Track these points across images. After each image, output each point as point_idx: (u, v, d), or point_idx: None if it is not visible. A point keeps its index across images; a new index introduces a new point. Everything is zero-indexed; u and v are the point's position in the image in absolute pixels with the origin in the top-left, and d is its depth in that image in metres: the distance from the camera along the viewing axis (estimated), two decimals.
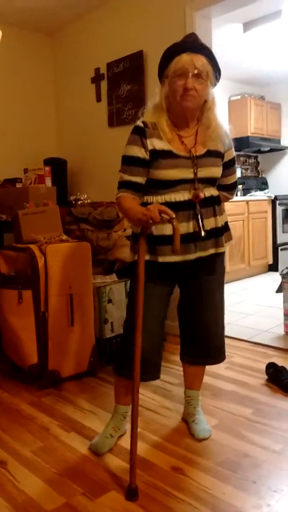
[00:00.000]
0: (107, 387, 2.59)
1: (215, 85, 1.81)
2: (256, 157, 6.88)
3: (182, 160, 1.78)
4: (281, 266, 5.83)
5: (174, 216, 1.62)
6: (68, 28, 4.26)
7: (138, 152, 1.78)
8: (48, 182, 3.61)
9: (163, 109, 1.80)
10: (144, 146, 1.77)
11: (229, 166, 1.96)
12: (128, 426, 1.99)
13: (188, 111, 1.79)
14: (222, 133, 1.87)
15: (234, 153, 1.98)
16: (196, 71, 1.70)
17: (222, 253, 1.95)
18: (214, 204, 1.86)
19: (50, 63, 4.50)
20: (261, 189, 6.50)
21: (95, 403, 2.42)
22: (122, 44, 3.74)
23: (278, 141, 6.61)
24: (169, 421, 2.20)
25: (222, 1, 3.05)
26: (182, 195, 1.78)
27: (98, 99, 4.02)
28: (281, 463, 1.83)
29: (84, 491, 1.70)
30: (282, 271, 3.51)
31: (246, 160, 6.72)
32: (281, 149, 6.59)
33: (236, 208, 5.35)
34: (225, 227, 1.94)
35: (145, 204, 1.80)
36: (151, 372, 1.91)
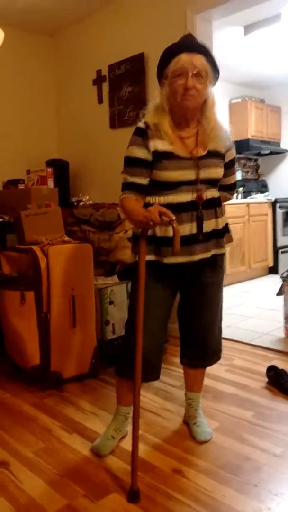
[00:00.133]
0: (108, 388, 2.60)
1: (214, 84, 1.82)
2: (256, 160, 6.90)
3: (185, 161, 1.79)
4: (281, 269, 5.87)
5: (174, 218, 1.63)
6: (70, 30, 4.27)
7: (141, 153, 1.79)
8: (50, 183, 3.63)
9: (165, 110, 1.81)
10: (146, 147, 1.78)
11: (229, 167, 1.97)
12: (129, 428, 2.00)
13: (189, 111, 1.80)
14: (222, 133, 1.88)
15: (234, 154, 2.00)
16: (195, 71, 1.71)
17: (223, 255, 1.96)
18: (215, 206, 1.87)
19: (52, 65, 4.51)
20: (261, 192, 6.52)
21: (96, 405, 2.42)
22: (123, 46, 3.75)
23: (278, 144, 6.63)
24: (170, 423, 2.21)
25: (223, 4, 3.07)
26: (184, 197, 1.79)
27: (100, 101, 4.03)
28: (282, 466, 1.84)
29: (86, 493, 1.70)
30: (282, 274, 3.52)
31: (246, 163, 6.73)
32: (281, 152, 6.61)
33: (237, 210, 5.36)
34: (226, 229, 1.95)
35: (147, 205, 1.81)
36: (151, 372, 1.93)
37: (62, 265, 2.60)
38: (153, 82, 3.41)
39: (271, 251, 5.98)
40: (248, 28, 4.35)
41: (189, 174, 1.79)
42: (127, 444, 1.97)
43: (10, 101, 4.22)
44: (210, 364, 2.10)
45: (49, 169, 3.67)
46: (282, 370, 2.61)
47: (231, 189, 2.05)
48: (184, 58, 1.71)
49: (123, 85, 3.78)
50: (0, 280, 2.78)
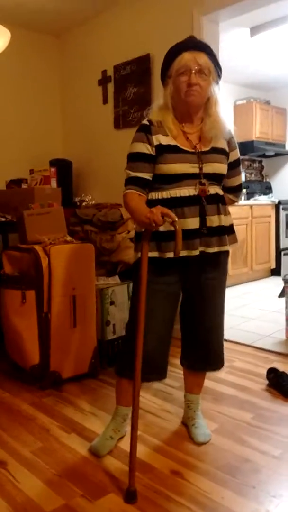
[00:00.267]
0: (108, 389, 2.60)
1: (217, 82, 1.84)
2: (260, 162, 6.89)
3: (188, 155, 1.80)
4: (283, 271, 5.82)
5: (176, 219, 1.63)
6: (76, 30, 4.28)
7: (144, 148, 1.81)
8: (54, 183, 3.63)
9: (168, 108, 1.84)
10: (149, 142, 1.80)
11: (234, 167, 1.97)
12: (128, 428, 2.00)
13: (192, 107, 1.82)
14: (225, 130, 1.89)
15: (239, 154, 2.00)
16: (198, 68, 1.74)
17: (226, 253, 1.95)
18: (218, 202, 1.86)
19: (57, 65, 4.52)
20: (265, 194, 6.51)
21: (95, 405, 2.42)
22: (129, 47, 3.75)
23: (283, 146, 6.62)
24: (169, 425, 2.21)
25: (230, 5, 3.07)
26: (187, 191, 1.80)
27: (105, 101, 4.04)
28: (281, 468, 1.83)
29: (83, 493, 1.70)
30: (285, 276, 3.51)
31: (250, 164, 6.72)
32: (286, 154, 6.60)
33: (240, 212, 5.35)
34: (231, 229, 1.94)
35: (150, 201, 1.82)
36: (153, 371, 1.92)
37: (63, 264, 2.61)
38: (158, 83, 3.38)
39: (274, 253, 5.97)
40: (254, 30, 4.34)
41: (192, 167, 1.80)
42: (125, 445, 1.96)
43: (15, 100, 4.23)
44: (212, 369, 2.09)
45: (52, 169, 3.67)
46: (283, 372, 2.60)
47: (236, 191, 2.04)
48: (187, 57, 1.74)
49: (128, 85, 3.78)
50: (2, 279, 2.78)
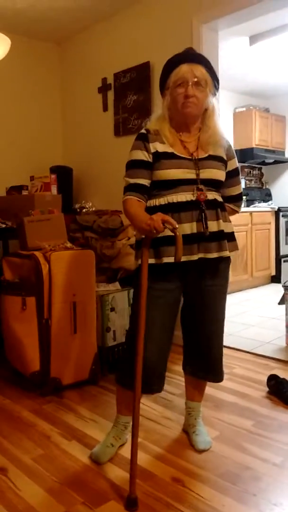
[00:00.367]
0: (108, 395, 2.60)
1: (215, 94, 1.87)
2: (260, 169, 6.92)
3: (184, 161, 1.82)
4: (283, 278, 5.83)
5: (177, 226, 1.64)
6: (77, 38, 4.31)
7: (142, 155, 1.83)
8: (54, 190, 3.64)
9: (165, 119, 1.87)
10: (147, 149, 1.83)
11: (233, 176, 1.98)
12: (128, 436, 1.99)
13: (189, 118, 1.85)
14: (222, 140, 1.92)
15: (237, 164, 2.02)
16: (195, 79, 1.77)
17: (227, 260, 1.94)
18: (217, 208, 1.87)
19: (58, 72, 4.55)
20: (265, 201, 6.53)
21: (96, 412, 2.42)
22: (129, 55, 3.78)
23: (283, 153, 6.65)
24: (170, 432, 2.20)
25: (229, 14, 3.09)
26: (184, 196, 1.81)
27: (105, 108, 4.06)
28: (282, 476, 1.83)
29: (84, 500, 1.70)
30: (284, 282, 3.51)
31: (250, 172, 6.75)
32: (285, 161, 6.63)
33: (240, 219, 5.36)
34: (231, 236, 1.95)
35: (149, 208, 1.83)
36: (156, 382, 1.90)
37: (64, 271, 2.61)
38: (158, 91, 3.43)
39: (274, 260, 5.98)
40: (253, 39, 4.38)
41: (189, 173, 1.81)
42: (126, 452, 1.96)
43: (16, 107, 4.26)
44: (213, 380, 2.07)
45: (53, 176, 3.68)
46: (283, 379, 2.60)
47: (236, 200, 2.05)
48: (184, 69, 1.77)
49: (128, 93, 3.80)
50: (2, 285, 2.78)
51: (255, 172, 6.84)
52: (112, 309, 2.93)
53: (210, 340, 1.99)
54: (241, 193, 2.07)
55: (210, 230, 1.82)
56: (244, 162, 6.39)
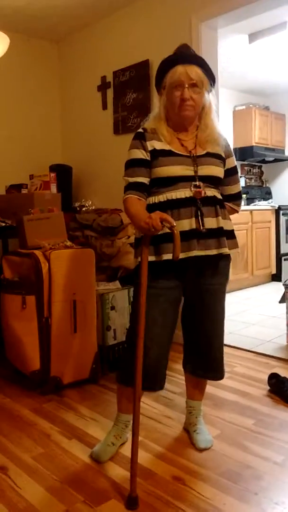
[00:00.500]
0: (109, 394, 2.59)
1: (211, 91, 1.88)
2: (260, 167, 6.90)
3: (182, 158, 1.83)
4: (284, 276, 5.86)
5: (175, 224, 1.64)
6: (76, 36, 4.29)
7: (140, 154, 1.84)
8: (53, 188, 3.63)
9: (161, 119, 1.88)
10: (144, 148, 1.84)
11: (232, 174, 1.98)
12: (129, 435, 1.99)
13: (187, 120, 1.86)
14: (220, 137, 1.92)
15: (235, 162, 2.02)
16: (191, 82, 1.77)
17: (226, 258, 1.93)
18: (216, 205, 1.86)
19: (57, 71, 4.53)
20: (265, 199, 6.52)
21: (96, 410, 2.41)
22: (128, 53, 3.77)
23: (283, 151, 6.64)
24: (170, 431, 2.20)
25: (228, 12, 3.09)
26: (183, 193, 1.80)
27: (104, 107, 4.05)
28: (283, 475, 1.82)
29: (84, 499, 1.69)
30: (285, 281, 3.51)
31: (250, 170, 6.73)
32: (285, 159, 6.62)
33: (240, 217, 5.35)
34: (231, 233, 1.94)
35: (148, 206, 1.83)
36: (157, 381, 1.90)
37: (63, 270, 2.60)
38: None
39: (274, 258, 5.97)
40: (252, 36, 4.37)
41: (187, 170, 1.81)
42: (127, 451, 1.95)
43: (15, 106, 4.25)
44: (213, 378, 2.06)
45: (52, 174, 3.67)
46: (284, 378, 2.59)
47: (236, 199, 2.04)
48: (179, 70, 1.77)
49: (128, 91, 3.79)
50: (2, 284, 2.78)
51: (255, 170, 6.83)
52: (112, 308, 2.93)
53: (210, 339, 1.98)
54: (240, 191, 2.06)
55: (209, 227, 1.82)
56: (244, 161, 6.38)
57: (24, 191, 3.68)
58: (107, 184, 4.06)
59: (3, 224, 3.29)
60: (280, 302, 3.77)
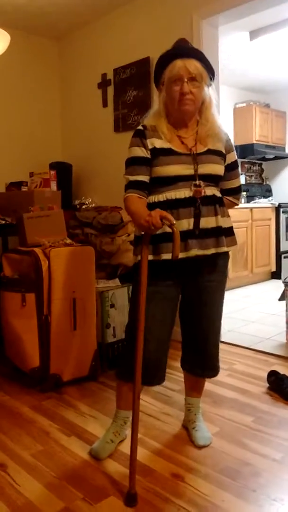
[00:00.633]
0: (108, 391, 2.60)
1: (211, 85, 1.86)
2: (260, 165, 6.90)
3: (182, 157, 1.81)
4: (284, 274, 5.86)
5: (174, 222, 1.64)
6: (76, 33, 4.29)
7: (140, 152, 1.83)
8: (53, 186, 3.63)
9: (162, 114, 1.86)
10: (144, 146, 1.82)
11: (232, 169, 1.97)
12: (128, 432, 1.99)
13: (187, 115, 1.84)
14: (221, 132, 1.90)
15: (236, 156, 2.01)
16: (190, 76, 1.75)
17: (225, 255, 1.94)
18: (215, 204, 1.86)
19: (57, 68, 4.53)
20: (265, 197, 6.52)
21: (96, 408, 2.42)
22: (129, 51, 3.76)
23: (283, 149, 6.63)
24: (169, 428, 2.20)
25: (229, 9, 3.08)
26: (183, 193, 1.80)
27: (105, 104, 4.04)
28: (282, 472, 1.83)
29: (83, 496, 1.70)
30: (285, 278, 3.51)
31: (250, 167, 6.73)
32: (286, 157, 6.61)
33: (240, 215, 5.35)
34: (229, 231, 1.94)
35: (148, 205, 1.83)
36: (155, 375, 1.91)
37: (63, 267, 2.61)
38: None
39: (274, 256, 5.98)
40: (253, 34, 4.36)
41: (187, 169, 1.80)
42: (125, 448, 1.96)
43: (15, 103, 4.24)
44: (208, 376, 2.08)
45: (52, 172, 3.67)
46: (283, 375, 2.59)
47: (236, 193, 2.04)
48: (178, 64, 1.75)
49: (128, 89, 3.79)
50: (1, 281, 2.78)
51: (256, 168, 6.82)
52: (112, 306, 2.93)
53: (207, 337, 1.99)
54: (241, 185, 2.06)
55: (206, 226, 1.82)
56: (244, 158, 6.38)
57: (24, 188, 3.68)
58: (107, 182, 4.06)
59: (3, 222, 3.29)
60: (279, 299, 3.78)
